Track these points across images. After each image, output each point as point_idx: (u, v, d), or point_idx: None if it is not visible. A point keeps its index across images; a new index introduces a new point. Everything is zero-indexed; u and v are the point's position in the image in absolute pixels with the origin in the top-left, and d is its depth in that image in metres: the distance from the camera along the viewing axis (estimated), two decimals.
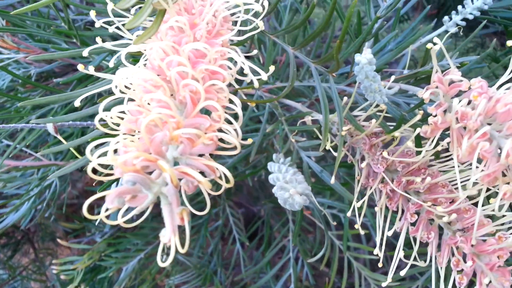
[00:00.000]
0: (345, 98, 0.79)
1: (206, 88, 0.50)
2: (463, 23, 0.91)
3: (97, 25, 0.60)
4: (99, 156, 0.41)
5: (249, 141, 0.55)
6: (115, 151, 0.42)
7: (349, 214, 0.76)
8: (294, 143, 0.87)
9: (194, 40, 0.54)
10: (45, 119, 0.74)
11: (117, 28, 0.59)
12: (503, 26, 1.06)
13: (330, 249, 1.26)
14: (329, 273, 1.29)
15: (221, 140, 0.49)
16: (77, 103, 0.54)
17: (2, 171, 1.38)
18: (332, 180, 0.77)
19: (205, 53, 0.52)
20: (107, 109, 0.48)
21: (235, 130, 0.50)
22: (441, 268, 0.67)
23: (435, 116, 0.59)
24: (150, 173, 0.42)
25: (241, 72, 0.57)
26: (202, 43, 0.52)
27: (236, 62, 0.55)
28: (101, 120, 0.48)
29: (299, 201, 0.65)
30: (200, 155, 0.46)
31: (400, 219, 0.72)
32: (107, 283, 1.82)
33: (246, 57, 0.58)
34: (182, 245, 0.39)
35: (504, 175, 0.54)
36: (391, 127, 0.73)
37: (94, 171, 0.42)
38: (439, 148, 0.64)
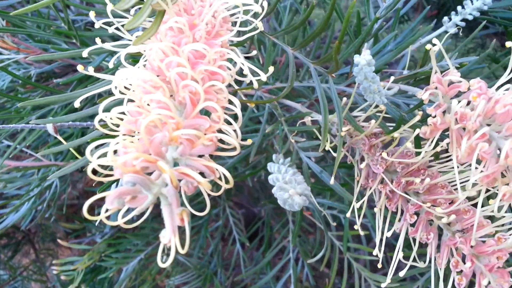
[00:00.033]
0: (345, 99, 0.79)
1: (206, 89, 0.50)
2: (463, 24, 0.91)
3: (97, 25, 0.60)
4: (99, 157, 0.41)
5: (249, 141, 0.55)
6: (115, 152, 0.42)
7: (348, 214, 0.76)
8: (293, 143, 0.87)
9: (193, 41, 0.54)
10: (45, 120, 0.74)
11: (117, 28, 0.59)
12: (503, 27, 1.06)
13: (330, 250, 1.26)
14: (329, 274, 1.28)
15: (220, 140, 0.49)
16: (77, 104, 0.54)
17: (3, 171, 1.38)
18: (332, 181, 0.77)
19: (205, 54, 0.52)
20: (107, 109, 0.48)
21: (235, 130, 0.50)
22: (440, 269, 0.67)
23: (434, 117, 0.59)
24: (150, 174, 0.42)
25: (240, 72, 0.57)
26: (201, 44, 0.52)
27: (235, 62, 0.55)
28: (101, 120, 0.48)
29: (298, 201, 0.65)
30: (200, 156, 0.46)
31: (399, 220, 0.72)
32: (107, 284, 1.82)
33: (246, 58, 0.58)
34: (182, 245, 0.39)
35: (503, 176, 0.54)
36: (391, 128, 0.73)
37: (94, 171, 0.42)
38: (438, 149, 0.63)
